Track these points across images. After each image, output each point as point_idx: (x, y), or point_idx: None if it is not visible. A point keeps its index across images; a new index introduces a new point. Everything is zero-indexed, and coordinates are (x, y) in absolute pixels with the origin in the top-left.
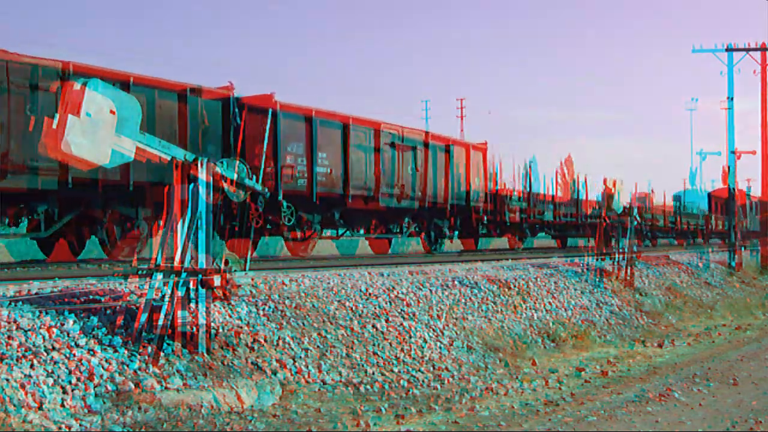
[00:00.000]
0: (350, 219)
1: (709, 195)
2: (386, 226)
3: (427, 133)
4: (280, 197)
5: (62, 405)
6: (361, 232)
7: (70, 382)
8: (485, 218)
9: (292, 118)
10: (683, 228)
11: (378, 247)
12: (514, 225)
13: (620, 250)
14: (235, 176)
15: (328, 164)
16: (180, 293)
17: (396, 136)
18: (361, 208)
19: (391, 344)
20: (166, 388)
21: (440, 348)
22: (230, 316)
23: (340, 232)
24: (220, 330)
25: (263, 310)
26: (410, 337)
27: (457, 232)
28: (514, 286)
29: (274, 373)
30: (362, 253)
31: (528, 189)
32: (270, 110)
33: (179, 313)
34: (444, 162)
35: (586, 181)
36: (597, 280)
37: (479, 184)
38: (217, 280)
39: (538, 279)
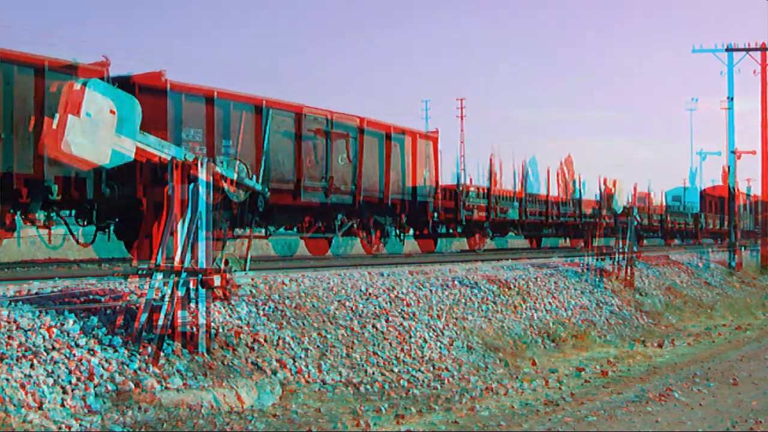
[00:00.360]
0: (270, 216)
1: (702, 193)
2: (326, 224)
3: (362, 118)
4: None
5: (62, 405)
6: (295, 230)
7: (70, 382)
8: (435, 215)
9: (190, 99)
10: (670, 227)
11: (316, 247)
12: (475, 224)
13: (620, 250)
14: (235, 176)
15: (236, 153)
16: (180, 293)
17: (324, 122)
18: (285, 204)
19: (391, 344)
20: (166, 388)
21: (440, 348)
22: (230, 316)
23: (271, 230)
24: (220, 330)
25: (263, 310)
26: (410, 337)
27: (413, 231)
28: (514, 286)
29: (274, 373)
30: (301, 254)
31: (488, 185)
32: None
33: (179, 313)
34: (384, 152)
35: (548, 176)
36: (597, 280)
37: (429, 177)
38: (217, 280)
39: (538, 279)
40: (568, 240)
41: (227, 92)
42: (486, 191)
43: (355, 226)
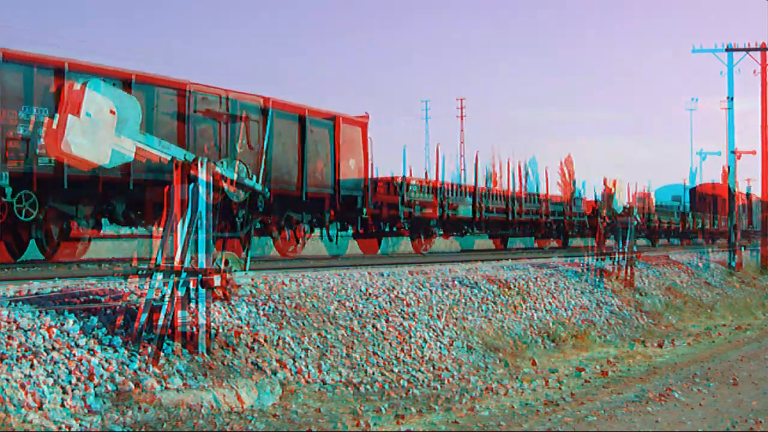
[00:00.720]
0: (152, 212)
1: (693, 191)
2: (225, 222)
3: (267, 98)
4: (4, 181)
5: (62, 405)
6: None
7: (70, 382)
8: (365, 211)
9: (32, 72)
10: (657, 227)
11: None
12: (422, 222)
13: (620, 250)
14: (235, 176)
15: None
16: (180, 293)
17: (217, 102)
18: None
19: (391, 344)
20: (166, 388)
21: (440, 348)
22: (230, 316)
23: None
24: (220, 330)
25: (263, 310)
26: (410, 337)
27: (351, 230)
28: (514, 286)
29: (274, 373)
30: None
31: (436, 178)
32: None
33: (179, 313)
34: (298, 138)
35: (516, 170)
36: (597, 280)
37: (356, 168)
38: (217, 280)
39: (538, 279)
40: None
41: (83, 64)
42: (429, 185)
43: (260, 223)
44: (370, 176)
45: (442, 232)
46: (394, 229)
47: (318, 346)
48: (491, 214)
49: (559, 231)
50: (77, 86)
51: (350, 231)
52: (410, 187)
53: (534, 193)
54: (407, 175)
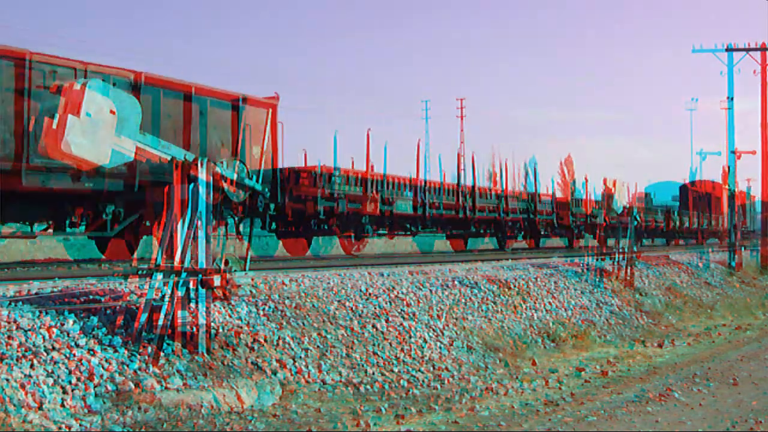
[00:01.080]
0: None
1: (684, 188)
2: (93, 218)
3: (138, 73)
4: None
5: (62, 405)
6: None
7: (70, 382)
8: (272, 207)
9: None
10: (641, 226)
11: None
12: (352, 218)
13: (620, 250)
14: (235, 176)
15: None
16: (180, 293)
17: (69, 75)
18: (7, 190)
19: (391, 344)
20: (166, 388)
21: (440, 348)
22: (230, 316)
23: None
24: (220, 330)
25: (263, 310)
26: (410, 337)
27: (273, 227)
28: (514, 286)
29: (274, 373)
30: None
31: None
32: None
33: (179, 313)
34: (182, 120)
35: (474, 163)
36: (597, 280)
37: (264, 156)
38: (217, 280)
39: (538, 279)
40: (492, 241)
41: None
42: (358, 176)
43: (147, 222)
44: (288, 166)
45: (386, 231)
46: (325, 227)
47: (318, 346)
48: (440, 211)
49: (526, 230)
50: (77, 86)
51: (274, 228)
52: (333, 179)
53: (491, 189)
54: (339, 165)
